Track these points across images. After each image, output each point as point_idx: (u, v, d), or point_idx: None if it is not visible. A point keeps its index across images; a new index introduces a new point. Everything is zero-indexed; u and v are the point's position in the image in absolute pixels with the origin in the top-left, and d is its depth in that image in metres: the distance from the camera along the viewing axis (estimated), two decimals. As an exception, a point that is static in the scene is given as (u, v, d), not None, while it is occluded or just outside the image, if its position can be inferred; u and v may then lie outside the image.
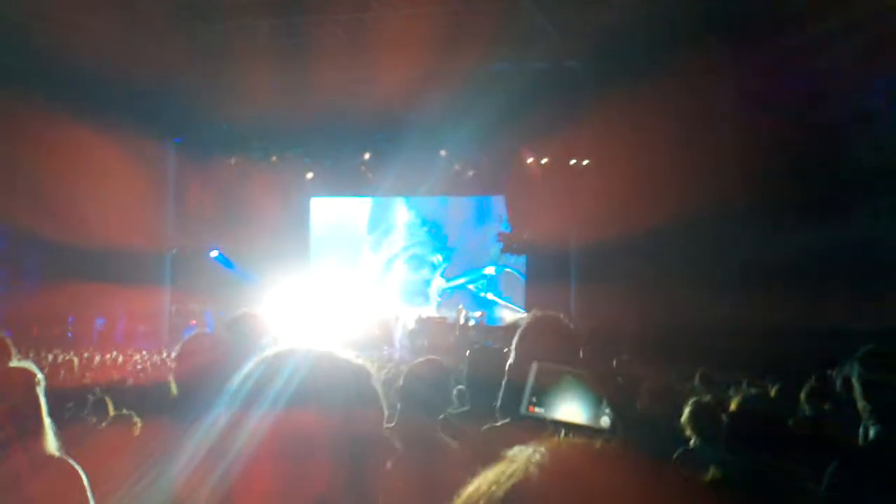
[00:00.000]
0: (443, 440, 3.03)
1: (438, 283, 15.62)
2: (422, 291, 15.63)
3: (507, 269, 14.87)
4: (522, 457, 0.82)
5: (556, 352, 2.38)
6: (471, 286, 15.39)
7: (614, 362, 4.90)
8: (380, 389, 1.47)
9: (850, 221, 9.19)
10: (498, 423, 2.51)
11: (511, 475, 0.81)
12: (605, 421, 1.63)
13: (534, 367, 1.82)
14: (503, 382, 2.63)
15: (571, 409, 1.73)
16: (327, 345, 1.58)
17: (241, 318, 3.48)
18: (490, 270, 15.31)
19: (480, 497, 0.81)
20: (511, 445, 0.88)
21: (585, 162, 12.31)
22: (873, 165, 9.13)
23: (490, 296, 15.08)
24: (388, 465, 1.41)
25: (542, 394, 1.82)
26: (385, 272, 16.02)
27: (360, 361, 1.51)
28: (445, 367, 3.56)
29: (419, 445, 2.85)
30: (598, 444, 0.83)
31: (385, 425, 1.48)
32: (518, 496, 0.79)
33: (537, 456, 0.81)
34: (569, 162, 12.37)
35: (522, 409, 1.85)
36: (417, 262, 15.95)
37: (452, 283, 15.53)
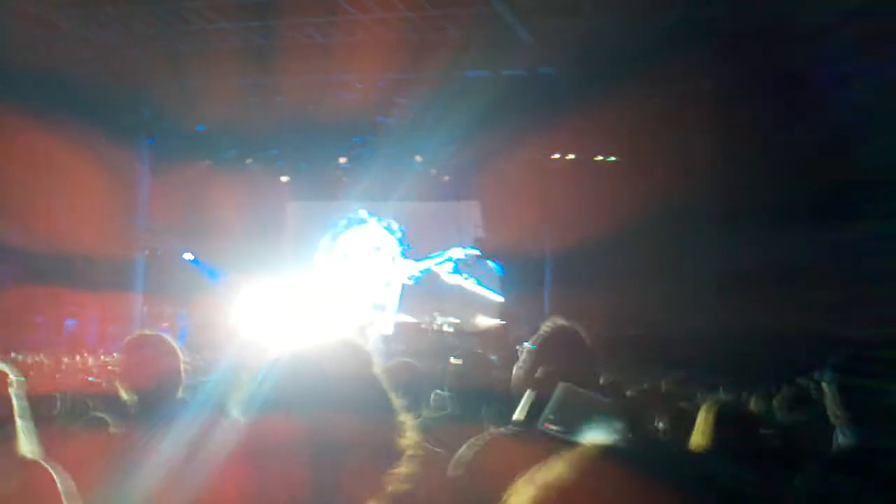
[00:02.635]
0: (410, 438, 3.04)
1: (403, 267, 15.54)
2: (386, 283, 15.53)
3: (476, 252, 14.79)
4: (553, 477, 0.82)
5: (575, 369, 2.37)
6: (438, 268, 15.30)
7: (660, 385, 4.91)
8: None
9: (829, 227, 9.27)
10: (497, 430, 2.49)
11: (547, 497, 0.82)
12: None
13: (561, 387, 1.86)
14: (505, 393, 2.62)
15: (593, 432, 1.77)
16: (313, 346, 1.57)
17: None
18: (456, 253, 15.24)
19: None
20: (508, 454, 0.88)
21: (561, 167, 12.38)
22: (856, 171, 9.22)
23: (460, 279, 14.98)
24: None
25: (563, 413, 1.86)
26: (348, 267, 15.93)
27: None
28: (419, 370, 3.57)
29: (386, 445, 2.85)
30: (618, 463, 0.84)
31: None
32: None
33: (569, 473, 0.81)
34: (544, 167, 12.44)
35: (539, 423, 1.89)
36: (377, 242, 15.89)
37: (419, 266, 15.48)
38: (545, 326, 2.59)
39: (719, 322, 9.21)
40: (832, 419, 2.61)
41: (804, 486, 2.46)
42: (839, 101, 9.61)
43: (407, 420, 1.51)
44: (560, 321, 2.61)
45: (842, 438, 2.57)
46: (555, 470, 0.85)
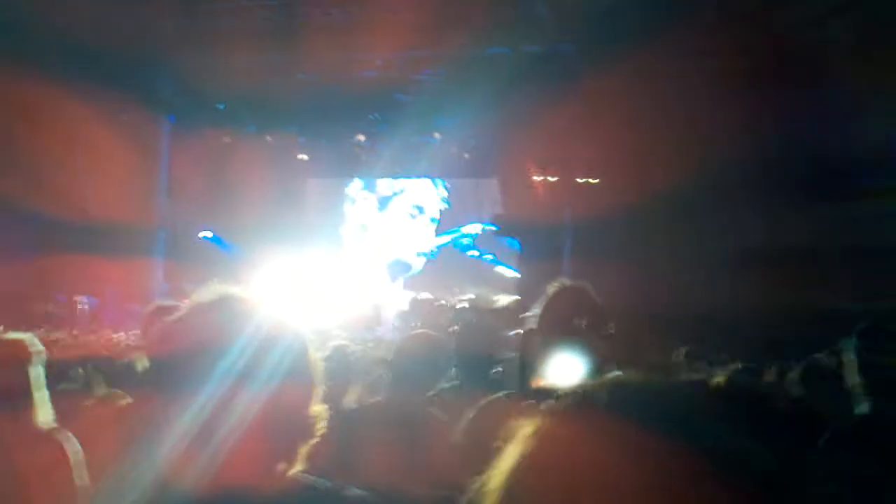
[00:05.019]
0: (431, 414, 3.03)
1: (427, 238, 15.57)
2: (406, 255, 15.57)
3: (492, 229, 14.79)
4: (524, 435, 0.81)
5: (581, 323, 2.35)
6: (456, 245, 15.34)
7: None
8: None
9: (845, 203, 9.17)
10: (495, 395, 2.49)
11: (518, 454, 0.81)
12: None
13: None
14: (516, 357, 2.61)
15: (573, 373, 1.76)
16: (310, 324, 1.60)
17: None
18: (473, 228, 15.25)
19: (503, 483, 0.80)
20: (500, 417, 0.88)
21: (580, 143, 12.31)
22: (869, 147, 9.10)
23: (476, 255, 14.98)
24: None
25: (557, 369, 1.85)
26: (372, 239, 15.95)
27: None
28: (438, 341, 3.55)
29: (407, 419, 2.85)
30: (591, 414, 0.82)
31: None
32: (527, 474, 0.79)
33: (535, 429, 0.81)
34: (563, 144, 12.37)
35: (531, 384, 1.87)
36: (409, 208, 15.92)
37: (437, 241, 15.52)
38: (551, 287, 2.58)
39: (737, 298, 9.16)
40: (852, 390, 2.58)
41: (818, 459, 2.43)
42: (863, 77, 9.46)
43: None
44: (566, 281, 2.60)
45: (860, 409, 2.54)
46: (532, 423, 0.84)
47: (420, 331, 3.98)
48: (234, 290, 1.64)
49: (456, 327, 4.04)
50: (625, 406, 0.82)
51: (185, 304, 1.62)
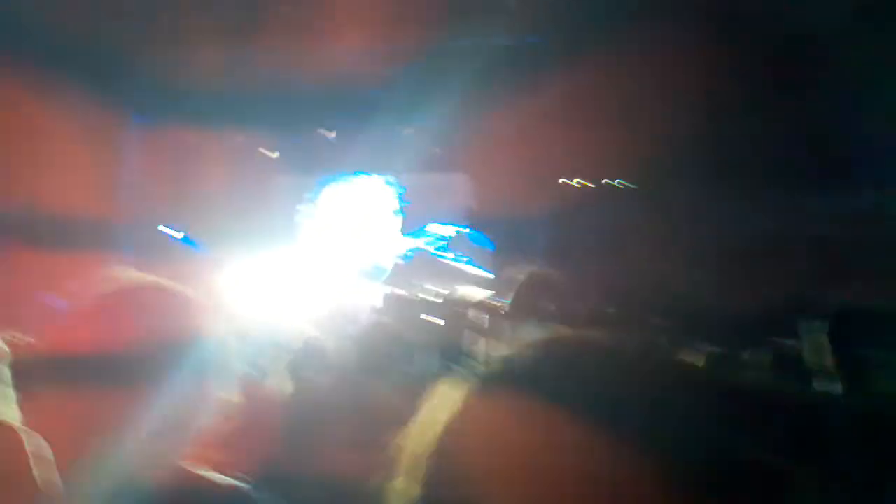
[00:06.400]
0: (387, 400, 3.05)
1: (394, 240, 15.50)
2: (377, 258, 15.51)
3: (465, 230, 14.75)
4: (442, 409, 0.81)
5: (550, 306, 2.36)
6: (429, 247, 15.28)
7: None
8: None
9: (825, 195, 9.29)
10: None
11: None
12: None
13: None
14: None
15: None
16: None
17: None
18: (446, 230, 15.19)
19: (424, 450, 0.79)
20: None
21: (552, 136, 12.35)
22: (840, 140, 9.22)
23: (450, 257, 14.93)
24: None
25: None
26: (336, 235, 15.88)
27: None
28: (399, 332, 3.57)
29: (364, 407, 2.86)
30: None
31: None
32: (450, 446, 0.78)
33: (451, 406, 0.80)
34: (534, 137, 12.41)
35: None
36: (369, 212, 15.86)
37: (409, 243, 15.45)
38: (521, 275, 2.59)
39: (707, 286, 9.25)
40: (820, 375, 2.61)
41: (783, 443, 2.45)
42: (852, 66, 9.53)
43: None
44: (536, 269, 2.61)
45: (821, 393, 2.57)
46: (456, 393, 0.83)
47: (377, 321, 3.99)
48: (151, 278, 1.55)
49: (432, 320, 4.06)
50: (555, 370, 0.81)
51: (87, 295, 1.53)
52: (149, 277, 1.53)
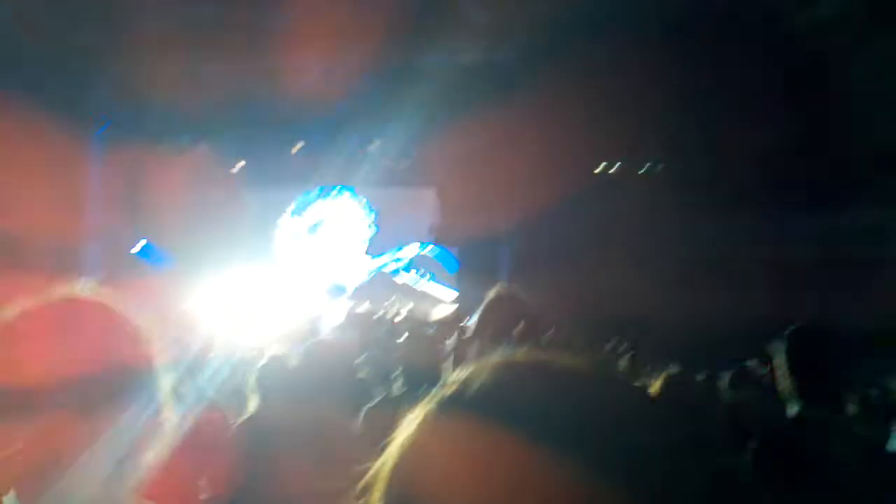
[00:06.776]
0: (348, 421, 3.01)
1: (361, 261, 15.44)
2: (341, 276, 15.44)
3: (430, 250, 14.73)
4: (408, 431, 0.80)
5: (514, 329, 2.34)
6: (391, 267, 15.25)
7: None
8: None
9: (800, 214, 9.37)
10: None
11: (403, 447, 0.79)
12: None
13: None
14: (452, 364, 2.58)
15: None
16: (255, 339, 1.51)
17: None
18: (411, 250, 15.16)
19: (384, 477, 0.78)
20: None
21: (519, 153, 12.40)
22: (811, 161, 9.31)
23: (412, 277, 14.88)
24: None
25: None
26: (305, 252, 15.80)
27: None
28: (346, 351, 3.53)
29: (316, 430, 2.81)
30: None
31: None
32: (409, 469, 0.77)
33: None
34: (501, 153, 12.44)
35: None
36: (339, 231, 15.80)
37: (374, 263, 15.41)
38: (488, 294, 2.58)
39: (674, 306, 9.29)
40: (781, 394, 2.60)
41: (746, 462, 2.45)
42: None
43: None
44: (502, 288, 2.60)
45: (788, 413, 2.57)
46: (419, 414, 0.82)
47: (321, 340, 3.96)
48: (84, 292, 1.44)
49: (396, 339, 4.01)
50: (507, 391, 0.79)
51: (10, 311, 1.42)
52: (94, 297, 1.43)
